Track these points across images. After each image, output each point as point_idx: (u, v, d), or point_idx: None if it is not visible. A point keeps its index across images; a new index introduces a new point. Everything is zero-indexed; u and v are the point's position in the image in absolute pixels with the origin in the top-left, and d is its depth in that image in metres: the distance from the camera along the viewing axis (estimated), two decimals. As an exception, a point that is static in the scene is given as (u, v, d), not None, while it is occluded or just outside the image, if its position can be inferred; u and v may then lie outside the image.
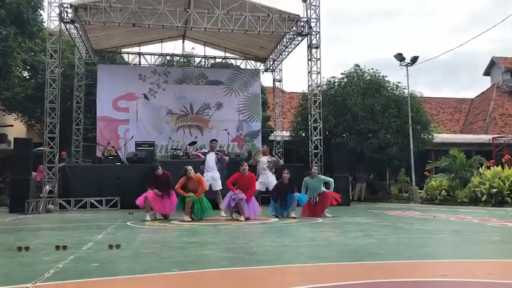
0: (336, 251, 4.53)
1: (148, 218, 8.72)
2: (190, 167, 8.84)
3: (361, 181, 18.82)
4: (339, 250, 4.61)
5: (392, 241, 5.37)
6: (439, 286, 3.04)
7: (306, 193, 9.37)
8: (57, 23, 14.18)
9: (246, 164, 8.91)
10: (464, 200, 14.05)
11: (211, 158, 9.59)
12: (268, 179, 10.28)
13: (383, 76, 18.82)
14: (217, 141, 10.34)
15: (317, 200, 9.34)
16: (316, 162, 14.54)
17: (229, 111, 19.15)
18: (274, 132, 20.60)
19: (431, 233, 6.54)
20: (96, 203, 13.63)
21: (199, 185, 8.70)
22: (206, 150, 9.98)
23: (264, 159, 10.48)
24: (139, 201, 8.97)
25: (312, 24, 15.37)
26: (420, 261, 4.07)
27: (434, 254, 4.61)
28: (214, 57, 20.97)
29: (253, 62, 20.73)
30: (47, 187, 13.65)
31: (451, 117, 32.93)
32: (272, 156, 11.03)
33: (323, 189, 9.44)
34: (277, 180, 9.70)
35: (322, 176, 10.11)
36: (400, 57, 17.68)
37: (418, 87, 43.10)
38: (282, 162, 10.91)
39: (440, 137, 22.19)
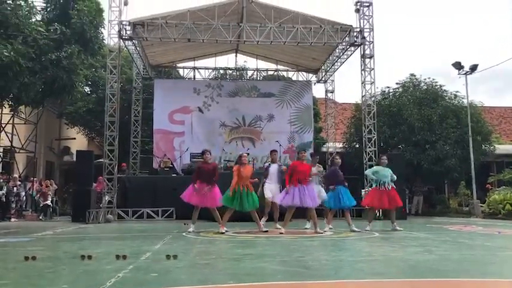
0: (395, 267, 4.39)
1: (191, 229, 8.62)
2: (245, 154, 8.92)
3: (418, 194, 18.17)
4: (398, 266, 4.46)
5: (455, 257, 5.13)
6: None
7: (372, 178, 9.62)
8: (116, 40, 14.86)
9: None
10: (531, 215, 13.29)
11: (273, 170, 9.38)
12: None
13: (440, 85, 18.21)
14: (277, 151, 10.00)
15: (389, 187, 9.19)
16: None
17: (281, 123, 19.22)
18: (327, 144, 20.38)
19: (496, 249, 6.20)
20: (152, 214, 14.00)
21: (251, 170, 8.74)
22: (268, 163, 9.70)
23: (314, 170, 9.97)
24: (185, 197, 8.69)
25: (365, 34, 15.18)
26: (486, 279, 3.86)
27: (502, 272, 4.36)
28: (267, 70, 21.15)
29: (305, 73, 20.72)
30: (107, 197, 14.20)
31: (514, 127, 31.22)
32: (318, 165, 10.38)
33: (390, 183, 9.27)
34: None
35: (389, 169, 9.71)
36: (458, 65, 17.05)
37: (478, 96, 41.23)
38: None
39: (503, 148, 21.11)
